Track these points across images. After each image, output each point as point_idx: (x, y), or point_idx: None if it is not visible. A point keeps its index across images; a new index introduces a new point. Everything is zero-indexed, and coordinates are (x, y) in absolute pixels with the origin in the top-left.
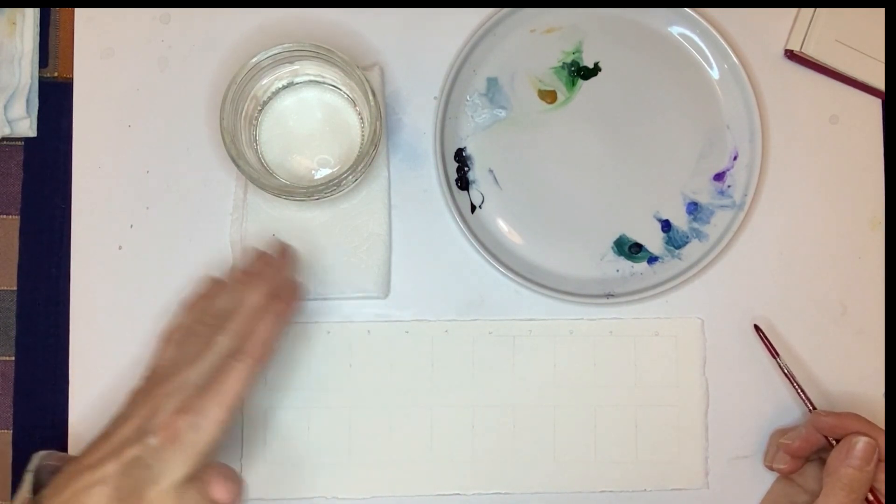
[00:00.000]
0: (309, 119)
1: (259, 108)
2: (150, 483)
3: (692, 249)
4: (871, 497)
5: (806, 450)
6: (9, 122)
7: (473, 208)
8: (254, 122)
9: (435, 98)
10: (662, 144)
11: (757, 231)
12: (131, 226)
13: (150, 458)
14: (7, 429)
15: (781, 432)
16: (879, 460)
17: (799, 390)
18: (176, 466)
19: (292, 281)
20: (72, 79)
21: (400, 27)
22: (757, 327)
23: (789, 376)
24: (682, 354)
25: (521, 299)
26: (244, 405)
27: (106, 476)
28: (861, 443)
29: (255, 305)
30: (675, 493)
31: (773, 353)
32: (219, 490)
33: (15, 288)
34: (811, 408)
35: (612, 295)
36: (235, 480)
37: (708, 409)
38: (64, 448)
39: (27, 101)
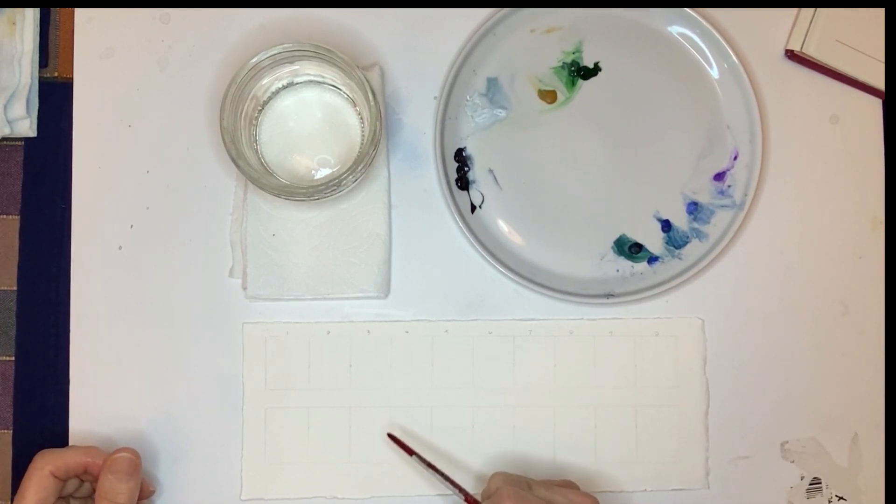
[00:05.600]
0: (309, 119)
1: (259, 108)
2: None
3: (692, 249)
4: None
5: None
6: (9, 122)
7: (473, 208)
8: (254, 122)
9: (435, 98)
10: (662, 144)
11: (757, 231)
12: (131, 226)
13: None
14: (7, 429)
15: None
16: None
17: (448, 482)
18: None
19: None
20: (72, 79)
21: (400, 27)
22: (391, 436)
23: (434, 469)
24: (682, 354)
25: (521, 299)
26: (244, 406)
27: None
28: None
29: None
30: (676, 493)
31: (409, 452)
32: None
33: (15, 288)
34: (465, 498)
35: (612, 295)
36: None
37: (708, 409)
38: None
39: (27, 101)
